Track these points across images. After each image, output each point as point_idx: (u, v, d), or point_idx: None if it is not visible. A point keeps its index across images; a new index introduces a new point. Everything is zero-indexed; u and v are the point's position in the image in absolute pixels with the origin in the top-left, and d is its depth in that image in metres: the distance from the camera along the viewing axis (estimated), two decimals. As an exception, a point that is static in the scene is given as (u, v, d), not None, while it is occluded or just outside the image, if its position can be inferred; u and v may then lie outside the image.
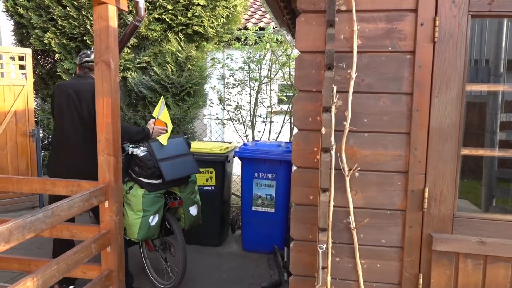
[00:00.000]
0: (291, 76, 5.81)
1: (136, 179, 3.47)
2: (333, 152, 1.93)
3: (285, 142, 5.23)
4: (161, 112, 3.54)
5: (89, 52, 3.55)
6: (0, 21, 7.77)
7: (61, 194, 3.01)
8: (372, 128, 2.07)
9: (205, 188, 4.91)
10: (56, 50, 6.05)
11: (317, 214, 2.06)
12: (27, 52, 5.44)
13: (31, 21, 6.03)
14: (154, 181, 3.44)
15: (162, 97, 3.95)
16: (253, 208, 4.81)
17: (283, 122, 5.97)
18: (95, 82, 2.84)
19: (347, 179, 2.02)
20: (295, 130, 2.14)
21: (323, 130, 1.87)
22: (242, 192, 4.85)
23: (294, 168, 2.14)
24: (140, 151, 3.45)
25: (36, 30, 6.03)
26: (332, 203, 1.98)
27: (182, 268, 3.59)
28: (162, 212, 3.54)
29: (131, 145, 3.54)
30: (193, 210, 3.91)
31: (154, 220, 3.46)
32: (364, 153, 2.08)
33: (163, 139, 3.56)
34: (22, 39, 6.40)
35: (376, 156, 2.07)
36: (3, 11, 6.47)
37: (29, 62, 5.43)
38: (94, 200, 2.71)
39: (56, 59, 6.24)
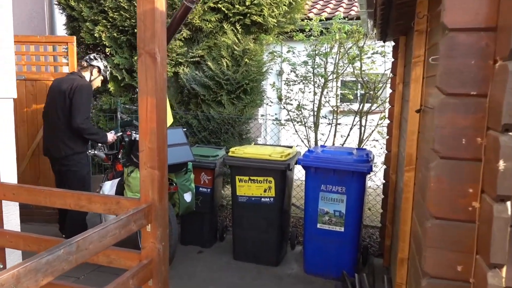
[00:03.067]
0: (362, 72, 5.05)
1: (137, 163, 3.69)
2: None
3: (357, 149, 4.49)
4: None
5: (92, 56, 4.41)
6: (56, 15, 7.61)
7: (98, 211, 2.51)
8: None
9: (262, 199, 4.30)
10: (107, 44, 5.69)
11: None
12: (70, 40, 5.06)
13: (82, 14, 5.71)
14: None
15: None
16: (318, 225, 4.13)
17: (352, 124, 5.22)
18: (138, 77, 2.29)
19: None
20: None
21: (501, 163, 1.12)
22: (306, 206, 4.18)
23: (431, 220, 1.34)
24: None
25: (87, 23, 5.70)
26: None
27: (171, 254, 3.72)
28: None
29: (134, 131, 4.14)
30: (188, 197, 4.26)
31: None
32: None
33: None
34: (73, 33, 6.11)
35: None
36: (56, 4, 6.22)
37: (71, 51, 5.04)
38: (133, 225, 2.17)
39: (107, 53, 5.89)
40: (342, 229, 4.07)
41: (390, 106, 4.49)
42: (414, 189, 2.63)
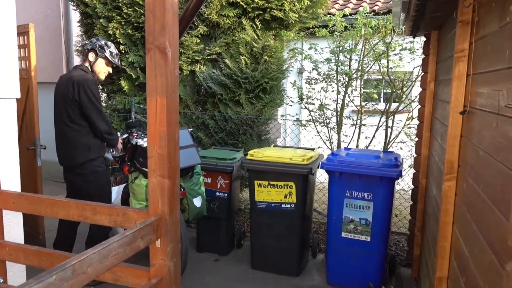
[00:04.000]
0: (389, 70, 4.72)
1: (141, 169, 3.60)
2: None
3: (384, 152, 4.18)
4: None
5: (94, 39, 3.82)
6: (71, 13, 7.50)
7: (102, 224, 2.29)
8: None
9: (283, 206, 4.04)
10: (121, 41, 5.50)
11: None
12: (26, 30, 4.13)
13: (96, 10, 5.54)
14: None
15: None
16: (343, 234, 3.84)
17: (378, 125, 4.90)
18: (147, 75, 2.05)
19: None
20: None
21: None
22: (329, 213, 3.90)
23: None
24: (144, 142, 3.57)
25: (101, 20, 5.52)
26: None
27: (183, 262, 3.66)
28: None
29: (136, 136, 3.82)
30: (197, 202, 4.02)
31: None
32: None
33: None
34: (87, 30, 5.97)
35: None
36: (70, 0, 6.08)
37: (30, 42, 4.14)
38: (140, 241, 1.93)
39: (121, 51, 5.71)
40: (369, 239, 3.77)
41: (419, 106, 4.16)
42: (455, 200, 2.32)
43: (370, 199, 3.70)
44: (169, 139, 2.05)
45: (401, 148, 5.20)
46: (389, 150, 4.97)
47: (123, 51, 5.68)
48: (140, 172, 3.64)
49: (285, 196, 4.03)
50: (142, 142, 3.60)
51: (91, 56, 3.72)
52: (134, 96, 5.74)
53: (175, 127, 2.10)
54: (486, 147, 1.70)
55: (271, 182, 4.04)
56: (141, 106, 5.68)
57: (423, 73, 4.10)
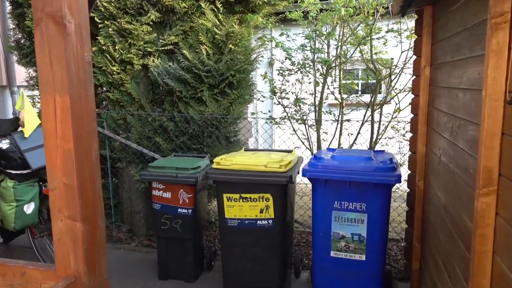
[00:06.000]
0: (372, 56, 4.10)
1: (4, 171, 3.57)
2: None
3: (375, 152, 3.56)
4: (24, 104, 3.63)
5: None
6: (6, 5, 6.54)
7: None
8: None
9: (258, 223, 3.36)
10: (59, 34, 4.64)
11: None
12: None
13: (26, -3, 4.67)
14: (23, 172, 3.57)
15: (22, 90, 4.04)
16: (332, 253, 3.20)
17: (363, 120, 4.27)
18: (37, 61, 1.31)
19: None
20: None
21: None
22: (315, 229, 3.25)
23: None
24: (2, 144, 3.53)
25: (32, 8, 4.64)
26: None
27: None
28: (38, 200, 3.70)
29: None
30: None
31: (29, 208, 3.64)
32: None
33: (27, 130, 3.60)
34: (19, 22, 5.06)
35: None
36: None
37: None
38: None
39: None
40: (363, 257, 3.14)
41: (413, 96, 3.56)
42: (495, 221, 1.70)
43: (364, 211, 3.07)
44: (79, 161, 1.32)
45: (387, 145, 4.62)
46: (376, 148, 4.37)
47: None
48: (5, 175, 3.59)
49: (261, 211, 3.35)
50: (1, 145, 3.54)
51: None
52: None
53: (89, 141, 1.37)
54: None
55: (243, 195, 3.35)
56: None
57: (415, 58, 3.50)
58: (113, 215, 5.01)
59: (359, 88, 5.70)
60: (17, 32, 5.24)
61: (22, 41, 5.34)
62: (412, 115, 3.52)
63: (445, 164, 2.65)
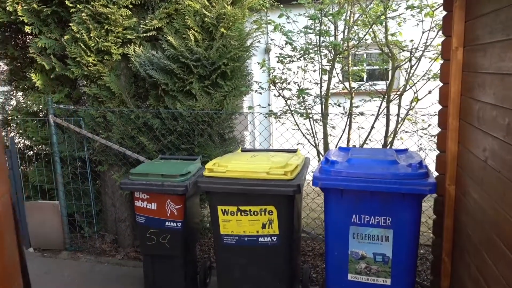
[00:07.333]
0: (388, 38, 3.52)
1: None
2: None
3: (396, 151, 3.01)
4: None
5: None
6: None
7: None
8: None
9: (260, 240, 2.81)
10: (26, 21, 4.04)
11: None
12: None
13: (-15, -21, 4.04)
14: None
15: None
16: (350, 276, 2.66)
17: (377, 112, 3.70)
18: None
19: None
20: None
21: None
22: (328, 246, 2.71)
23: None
24: None
25: (-6, -8, 4.03)
26: None
27: None
28: None
29: None
30: None
31: None
32: None
33: None
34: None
35: None
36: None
37: None
38: None
39: (27, 34, 4.25)
40: (388, 282, 2.61)
41: (440, 84, 3.00)
42: None
43: (389, 226, 2.53)
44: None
45: (402, 139, 4.06)
46: (403, 148, 3.81)
47: (31, 34, 4.22)
48: None
49: (263, 226, 2.80)
50: None
51: None
52: (52, 93, 4.31)
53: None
54: None
55: (242, 208, 2.80)
56: (62, 106, 4.26)
57: (444, 38, 2.93)
58: (95, 224, 4.46)
59: (365, 76, 5.15)
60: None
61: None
62: (441, 107, 2.96)
63: (495, 171, 2.10)
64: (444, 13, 2.94)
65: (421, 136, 3.65)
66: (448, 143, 2.86)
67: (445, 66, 2.92)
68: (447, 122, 2.88)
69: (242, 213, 2.80)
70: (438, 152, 3.03)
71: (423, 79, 3.65)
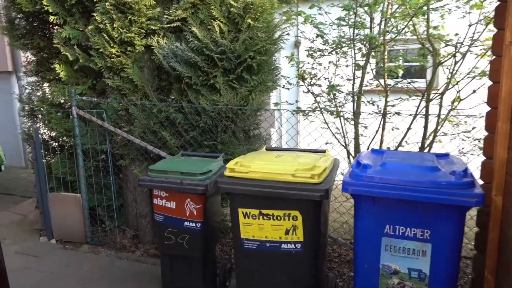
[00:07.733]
0: (430, 32, 3.23)
1: None
2: None
3: (437, 156, 2.73)
4: None
5: None
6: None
7: None
8: None
9: (283, 246, 2.61)
10: (51, 10, 3.96)
11: None
12: None
13: (12, -33, 3.98)
14: None
15: None
16: (381, 292, 2.42)
17: (416, 112, 3.41)
18: None
19: None
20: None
21: None
22: (357, 258, 2.48)
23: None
24: None
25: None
26: None
27: None
28: None
29: None
30: None
31: None
32: None
33: None
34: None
35: None
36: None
37: None
38: None
39: (52, 24, 4.18)
40: (424, 300, 2.35)
41: (490, 83, 2.70)
42: None
43: (427, 239, 2.27)
44: None
45: (441, 141, 3.74)
46: (445, 153, 3.51)
47: (56, 24, 4.15)
48: None
49: (287, 232, 2.60)
50: None
51: None
52: (76, 85, 4.24)
53: None
54: None
55: (264, 212, 2.60)
56: (85, 98, 4.17)
57: (496, 31, 2.63)
58: (116, 219, 4.38)
59: (401, 73, 4.82)
60: (11, 12, 4.58)
61: (16, 21, 4.70)
62: (489, 109, 2.67)
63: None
64: (495, 4, 2.64)
65: (463, 140, 3.34)
66: (496, 148, 2.58)
67: (495, 62, 2.61)
68: (495, 125, 2.59)
69: (265, 217, 2.61)
70: (484, 158, 2.74)
71: (468, 77, 3.32)
